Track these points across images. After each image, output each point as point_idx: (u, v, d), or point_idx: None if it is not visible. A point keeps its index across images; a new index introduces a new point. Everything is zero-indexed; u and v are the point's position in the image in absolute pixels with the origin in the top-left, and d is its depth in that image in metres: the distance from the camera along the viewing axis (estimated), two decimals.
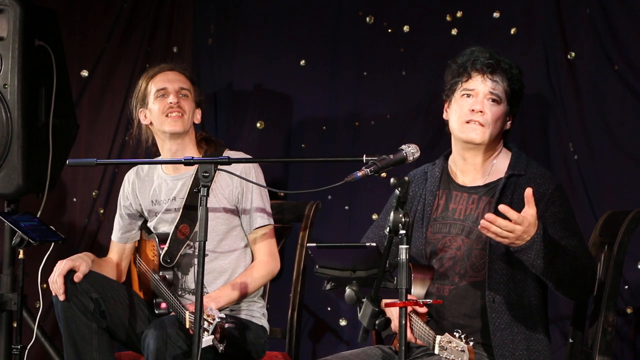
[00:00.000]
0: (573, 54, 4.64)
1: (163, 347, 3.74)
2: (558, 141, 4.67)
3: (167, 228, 4.14)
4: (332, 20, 5.12)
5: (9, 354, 4.64)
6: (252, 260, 4.17)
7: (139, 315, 4.08)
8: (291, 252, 4.47)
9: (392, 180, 3.10)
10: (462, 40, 4.68)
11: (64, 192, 5.36)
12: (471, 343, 3.14)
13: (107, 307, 4.02)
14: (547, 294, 3.60)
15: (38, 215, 4.51)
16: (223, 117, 5.30)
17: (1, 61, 4.50)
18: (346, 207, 5.06)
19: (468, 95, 3.59)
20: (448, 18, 4.89)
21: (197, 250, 3.88)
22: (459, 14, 4.88)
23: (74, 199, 5.37)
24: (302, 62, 5.16)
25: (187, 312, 3.74)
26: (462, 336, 3.16)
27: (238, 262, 4.15)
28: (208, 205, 3.48)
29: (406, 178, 3.11)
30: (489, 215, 3.24)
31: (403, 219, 3.08)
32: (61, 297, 3.96)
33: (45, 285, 4.30)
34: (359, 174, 3.27)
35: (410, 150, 3.35)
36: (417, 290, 3.59)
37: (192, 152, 4.18)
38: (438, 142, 4.61)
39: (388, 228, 3.10)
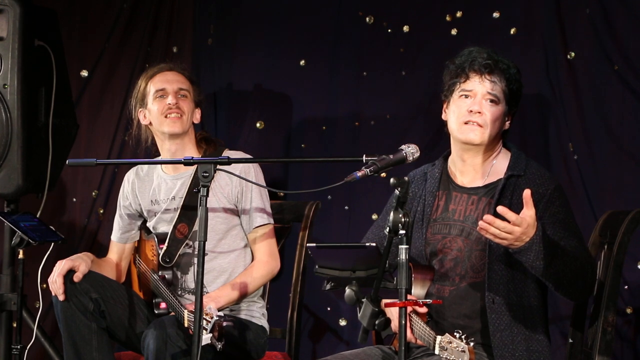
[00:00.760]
0: (573, 54, 4.64)
1: (163, 347, 3.74)
2: (558, 141, 4.66)
3: (166, 228, 4.14)
4: (332, 20, 5.12)
5: (8, 354, 4.64)
6: (252, 260, 4.17)
7: (138, 315, 4.08)
8: (291, 252, 4.47)
9: (391, 180, 3.10)
10: (462, 40, 4.68)
11: (64, 192, 5.36)
12: (471, 343, 3.13)
13: (107, 307, 4.02)
14: (547, 294, 3.60)
15: (38, 215, 4.51)
16: (223, 117, 5.30)
17: (1, 61, 4.50)
18: (346, 207, 5.06)
19: (466, 96, 3.59)
20: (448, 18, 4.89)
21: (196, 250, 3.89)
22: (458, 14, 4.88)
23: (74, 199, 5.38)
24: (302, 62, 5.16)
25: (185, 311, 3.74)
26: (463, 336, 3.16)
27: (238, 261, 4.15)
28: (207, 205, 3.48)
29: (406, 178, 3.11)
30: (487, 217, 3.24)
31: (403, 219, 3.08)
32: (61, 297, 3.96)
33: (45, 286, 4.30)
34: (359, 174, 3.27)
35: (410, 150, 3.35)
36: (418, 291, 3.59)
37: (192, 151, 4.18)
38: (438, 142, 4.61)
39: (388, 228, 3.10)
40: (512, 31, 4.76)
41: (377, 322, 3.27)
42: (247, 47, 5.26)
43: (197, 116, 4.22)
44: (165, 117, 4.12)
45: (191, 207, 4.07)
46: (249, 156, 4.18)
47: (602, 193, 4.55)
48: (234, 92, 5.30)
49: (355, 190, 4.97)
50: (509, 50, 4.67)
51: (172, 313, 3.92)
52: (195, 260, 3.93)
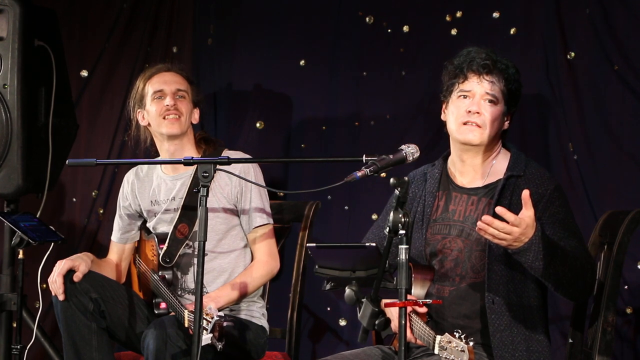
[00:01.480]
0: (573, 54, 4.64)
1: (163, 347, 3.74)
2: (558, 141, 4.66)
3: (166, 228, 4.14)
4: (331, 20, 5.12)
5: (8, 354, 4.64)
6: (252, 260, 4.17)
7: (138, 315, 4.08)
8: (291, 252, 4.47)
9: (391, 180, 3.10)
10: (462, 40, 4.67)
11: (64, 192, 5.36)
12: (471, 343, 3.13)
13: (107, 307, 4.02)
14: (547, 294, 3.60)
15: (38, 215, 4.51)
16: (223, 117, 5.30)
17: (1, 61, 4.50)
18: (346, 207, 5.06)
19: (465, 97, 3.59)
20: (448, 18, 4.89)
21: (196, 250, 3.89)
22: (458, 14, 4.87)
23: (74, 199, 5.38)
24: (302, 62, 5.16)
25: (185, 311, 3.74)
26: (462, 336, 3.16)
27: (237, 261, 4.15)
28: (207, 205, 3.48)
29: (406, 178, 3.11)
30: (486, 217, 3.24)
31: (403, 219, 3.08)
32: (61, 297, 3.96)
33: (45, 286, 4.30)
34: (359, 174, 3.27)
35: (410, 151, 3.35)
36: (418, 291, 3.59)
37: (191, 152, 4.18)
38: (438, 142, 4.61)
39: (388, 228, 3.10)
40: (512, 31, 4.76)
41: (377, 322, 3.27)
42: (247, 47, 5.26)
43: (195, 116, 4.22)
44: (164, 118, 4.12)
45: (191, 207, 4.07)
46: (248, 156, 4.18)
47: (602, 193, 4.55)
48: (234, 92, 5.30)
49: (355, 190, 4.97)
50: (509, 50, 4.67)
51: (172, 313, 3.92)
52: (195, 260, 3.93)
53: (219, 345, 3.60)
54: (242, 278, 4.08)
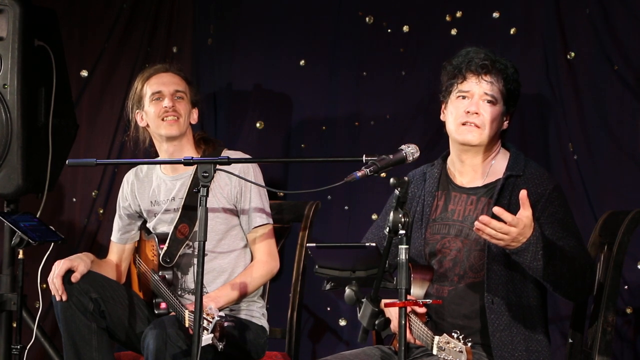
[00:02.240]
0: (573, 54, 4.64)
1: (163, 347, 3.74)
2: (558, 141, 4.66)
3: (167, 228, 4.14)
4: (331, 20, 5.12)
5: (8, 354, 4.64)
6: (252, 260, 4.17)
7: (138, 315, 4.08)
8: (291, 252, 4.47)
9: (391, 180, 3.10)
10: (462, 40, 4.67)
11: (64, 192, 5.36)
12: (469, 344, 3.14)
13: (107, 307, 4.02)
14: (547, 294, 3.60)
15: (38, 215, 4.51)
16: (223, 117, 5.30)
17: (1, 61, 4.50)
18: (346, 207, 5.06)
19: (463, 97, 3.59)
20: (448, 18, 4.89)
21: (196, 250, 3.89)
22: (458, 14, 4.87)
23: (74, 199, 5.37)
24: (302, 62, 5.16)
25: (186, 311, 3.74)
26: (461, 337, 3.16)
27: (237, 261, 4.15)
28: (207, 205, 3.48)
29: (406, 178, 3.11)
30: (483, 217, 3.24)
31: (403, 219, 3.08)
32: (60, 297, 3.96)
33: (44, 286, 4.30)
34: (359, 174, 3.27)
35: (410, 151, 3.35)
36: (417, 291, 3.59)
37: (190, 152, 4.18)
38: (438, 142, 4.60)
39: (388, 228, 3.10)
40: (512, 31, 4.76)
41: (377, 322, 3.27)
42: (247, 47, 5.26)
43: (194, 116, 4.22)
44: (162, 120, 4.12)
45: (192, 208, 4.07)
46: (248, 156, 4.18)
47: (602, 193, 4.55)
48: (233, 92, 5.30)
49: (355, 190, 4.97)
50: (509, 50, 4.67)
51: (173, 313, 3.92)
52: (195, 260, 3.93)
53: (220, 346, 3.60)
54: (242, 278, 4.08)
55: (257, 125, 5.22)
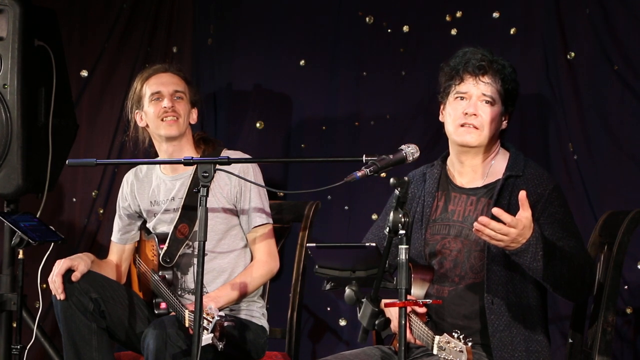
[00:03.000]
0: (573, 54, 4.64)
1: (163, 347, 3.74)
2: (558, 141, 4.66)
3: (166, 228, 4.14)
4: (331, 20, 5.12)
5: (8, 354, 4.64)
6: (252, 260, 4.17)
7: (138, 315, 4.08)
8: (291, 252, 4.47)
9: (391, 180, 3.10)
10: (462, 40, 4.68)
11: (64, 192, 5.36)
12: (470, 343, 3.13)
13: (107, 307, 4.02)
14: (547, 295, 3.60)
15: (38, 215, 4.51)
16: (223, 117, 5.30)
17: (1, 61, 4.50)
18: (346, 207, 5.06)
19: (462, 98, 3.59)
20: (448, 18, 4.89)
21: (196, 250, 3.89)
22: (458, 14, 4.87)
23: (74, 199, 5.38)
24: (302, 62, 5.16)
25: (186, 311, 3.74)
26: (461, 336, 3.16)
27: (237, 261, 4.15)
28: (207, 205, 3.48)
29: (406, 178, 3.11)
30: (482, 219, 3.24)
31: (403, 219, 3.07)
32: (60, 297, 3.96)
33: (45, 286, 4.30)
34: (359, 174, 3.27)
35: (410, 151, 3.35)
36: (417, 291, 3.59)
37: (190, 152, 4.18)
38: (438, 142, 4.61)
39: (388, 228, 3.10)
40: (512, 31, 4.76)
41: (377, 322, 3.27)
42: (247, 47, 5.26)
43: (193, 116, 4.22)
44: (162, 120, 4.12)
45: (191, 208, 4.07)
46: (248, 156, 4.18)
47: (602, 193, 4.55)
48: (233, 92, 5.30)
49: (355, 190, 4.97)
50: (509, 50, 4.67)
51: (173, 313, 3.92)
52: (195, 260, 3.93)
53: (220, 345, 3.60)
54: (241, 278, 4.08)
55: (257, 125, 5.22)
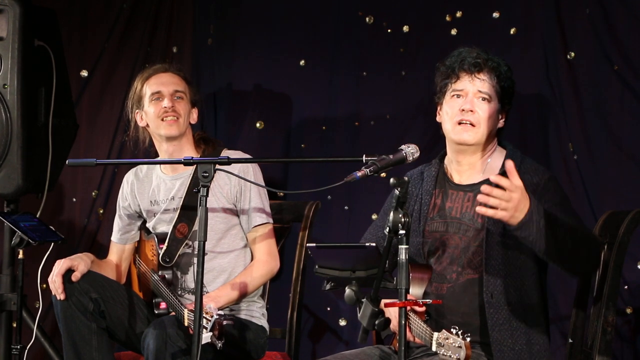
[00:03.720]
0: (573, 54, 4.64)
1: (163, 347, 3.74)
2: (558, 141, 4.66)
3: (166, 228, 4.14)
4: (331, 20, 5.13)
5: (8, 354, 4.64)
6: (252, 260, 4.17)
7: (138, 315, 4.08)
8: (291, 252, 4.47)
9: (391, 180, 3.10)
10: (462, 40, 4.67)
11: (64, 192, 5.36)
12: (468, 339, 3.13)
13: (107, 307, 4.02)
14: (547, 292, 3.60)
15: (38, 215, 4.51)
16: (223, 117, 5.31)
17: (1, 61, 4.50)
18: (346, 207, 5.06)
19: (458, 96, 3.61)
20: (448, 18, 4.90)
21: (195, 250, 3.89)
22: (458, 14, 4.88)
23: (74, 199, 5.38)
24: (302, 62, 5.16)
25: (186, 311, 3.74)
26: (459, 332, 3.16)
27: (237, 261, 4.15)
28: (207, 205, 3.48)
29: (405, 178, 3.11)
30: (485, 187, 3.23)
31: (403, 219, 3.08)
32: (60, 297, 3.96)
33: (45, 286, 4.30)
34: (359, 174, 3.27)
35: (410, 151, 3.35)
36: (415, 290, 3.59)
37: (190, 152, 4.18)
38: (438, 142, 4.60)
39: (388, 228, 3.10)
40: (512, 31, 4.76)
41: (377, 322, 3.27)
42: (247, 47, 5.26)
43: (194, 116, 4.22)
44: (162, 120, 4.12)
45: (191, 207, 4.07)
46: (248, 156, 4.18)
47: (602, 193, 4.55)
48: (233, 92, 5.30)
49: (355, 190, 4.97)
50: (509, 50, 4.67)
51: (172, 313, 3.92)
52: (195, 260, 3.93)
53: (219, 344, 3.60)
54: (241, 278, 4.08)
55: (257, 125, 5.22)
